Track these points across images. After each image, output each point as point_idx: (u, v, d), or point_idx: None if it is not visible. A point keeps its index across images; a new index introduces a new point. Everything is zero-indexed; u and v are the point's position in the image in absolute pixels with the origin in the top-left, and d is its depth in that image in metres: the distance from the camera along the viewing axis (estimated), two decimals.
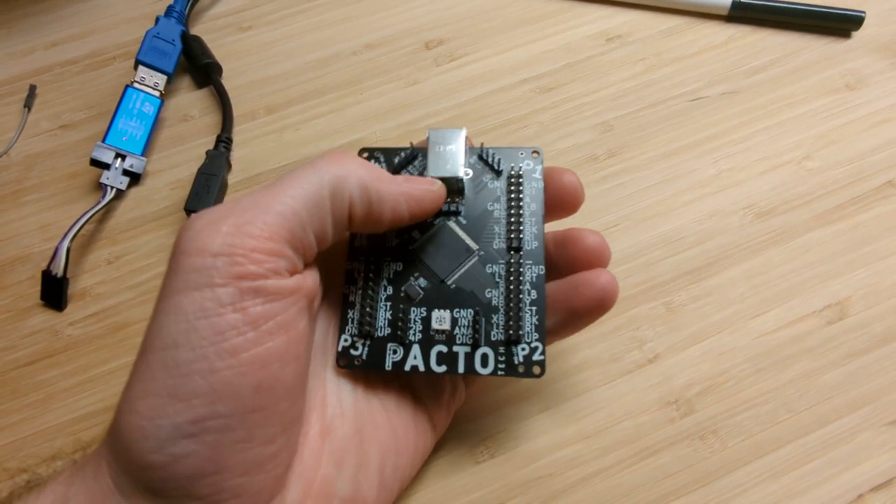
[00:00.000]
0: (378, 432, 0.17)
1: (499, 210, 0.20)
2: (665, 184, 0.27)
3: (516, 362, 0.17)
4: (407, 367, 0.18)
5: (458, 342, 0.18)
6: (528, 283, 0.18)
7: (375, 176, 0.17)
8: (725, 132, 0.28)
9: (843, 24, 0.31)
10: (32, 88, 0.31)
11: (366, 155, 0.20)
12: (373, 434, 0.17)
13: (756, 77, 0.30)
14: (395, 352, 0.18)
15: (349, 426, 0.17)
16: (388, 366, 0.18)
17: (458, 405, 0.20)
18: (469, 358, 0.18)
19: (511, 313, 0.18)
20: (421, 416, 0.19)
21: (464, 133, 0.20)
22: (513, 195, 0.20)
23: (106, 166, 0.27)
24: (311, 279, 0.16)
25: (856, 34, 0.31)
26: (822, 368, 0.22)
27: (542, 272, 0.18)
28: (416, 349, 0.18)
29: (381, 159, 0.21)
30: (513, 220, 0.19)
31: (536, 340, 0.18)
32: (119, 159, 0.27)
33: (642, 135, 0.28)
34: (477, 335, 0.18)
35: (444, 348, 0.18)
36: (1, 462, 0.22)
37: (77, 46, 0.33)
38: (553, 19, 0.32)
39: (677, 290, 0.24)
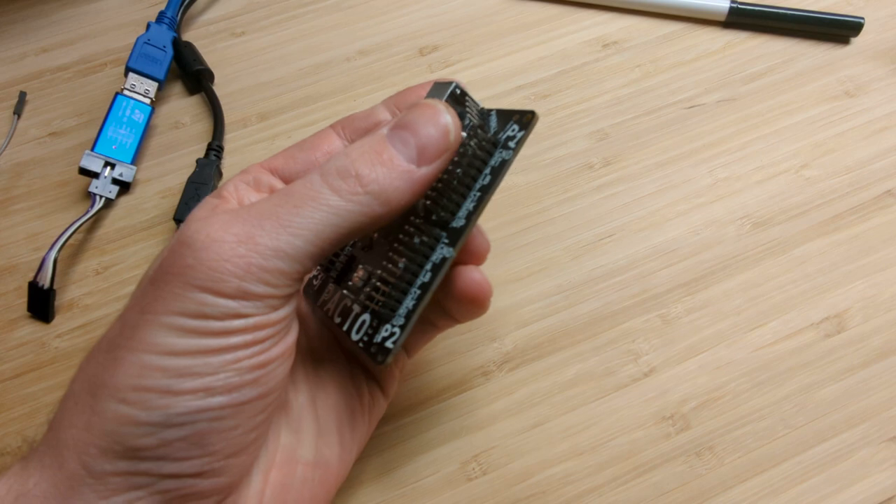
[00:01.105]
0: (331, 399, 0.18)
1: (454, 171, 0.16)
2: (660, 193, 0.27)
3: (374, 340, 0.16)
4: (318, 302, 0.18)
5: (359, 298, 0.17)
6: (430, 264, 0.16)
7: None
8: (722, 140, 0.28)
9: (841, 31, 0.30)
10: (22, 95, 0.31)
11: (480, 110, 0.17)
12: (326, 401, 0.18)
13: (753, 84, 0.29)
14: (315, 279, 0.18)
15: (303, 397, 0.18)
16: (305, 291, 0.18)
17: (401, 368, 0.20)
18: (355, 318, 0.17)
19: (398, 289, 0.16)
20: (370, 380, 0.19)
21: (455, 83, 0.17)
22: (473, 160, 0.16)
23: (95, 175, 0.27)
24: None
25: (855, 41, 0.31)
26: (820, 383, 0.22)
27: (449, 256, 0.16)
28: (331, 287, 0.18)
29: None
30: (454, 188, 0.16)
31: (398, 327, 0.16)
32: (108, 168, 0.27)
33: (638, 143, 0.28)
34: (369, 300, 0.17)
35: (347, 301, 0.18)
36: None
37: (68, 52, 0.32)
38: (548, 25, 0.32)
39: (673, 302, 0.24)
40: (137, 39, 0.30)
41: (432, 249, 0.16)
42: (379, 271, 0.17)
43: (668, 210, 0.26)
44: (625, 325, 0.23)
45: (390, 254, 0.17)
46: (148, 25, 0.30)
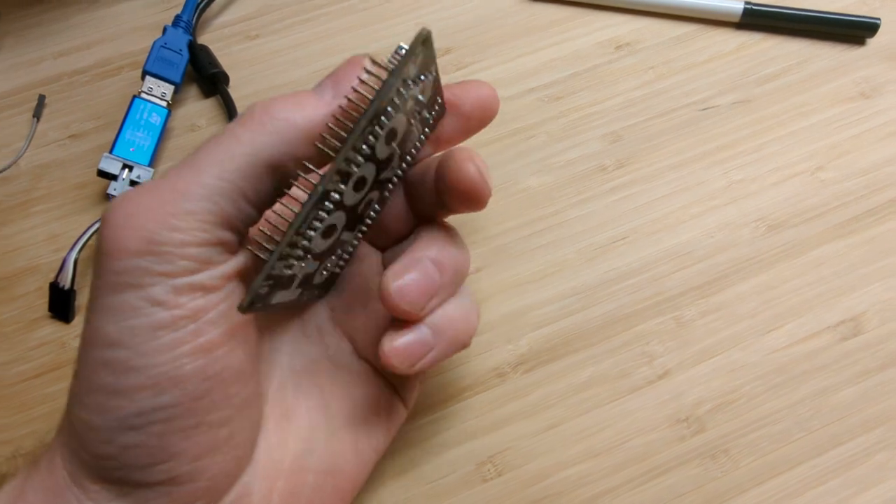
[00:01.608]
0: (345, 407, 0.17)
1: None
2: (674, 195, 0.27)
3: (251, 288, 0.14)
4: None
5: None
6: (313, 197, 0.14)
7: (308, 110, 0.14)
8: (736, 142, 0.28)
9: (857, 31, 0.30)
10: (41, 98, 0.31)
11: (422, 48, 0.15)
12: (339, 409, 0.17)
13: (768, 85, 0.29)
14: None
15: (313, 402, 0.17)
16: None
17: (422, 379, 0.20)
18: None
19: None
20: (386, 385, 0.19)
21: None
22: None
23: (113, 177, 0.27)
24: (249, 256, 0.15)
25: (870, 41, 0.30)
26: (836, 386, 0.22)
27: (321, 187, 0.13)
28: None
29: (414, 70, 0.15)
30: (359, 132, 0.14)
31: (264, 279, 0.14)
32: (126, 170, 0.27)
33: (651, 145, 0.28)
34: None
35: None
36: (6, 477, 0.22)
37: (85, 56, 0.33)
38: (561, 27, 0.32)
39: (687, 304, 0.24)
40: (154, 43, 0.30)
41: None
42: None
43: (682, 212, 0.26)
44: (639, 328, 0.23)
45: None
46: (164, 29, 0.31)
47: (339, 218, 0.15)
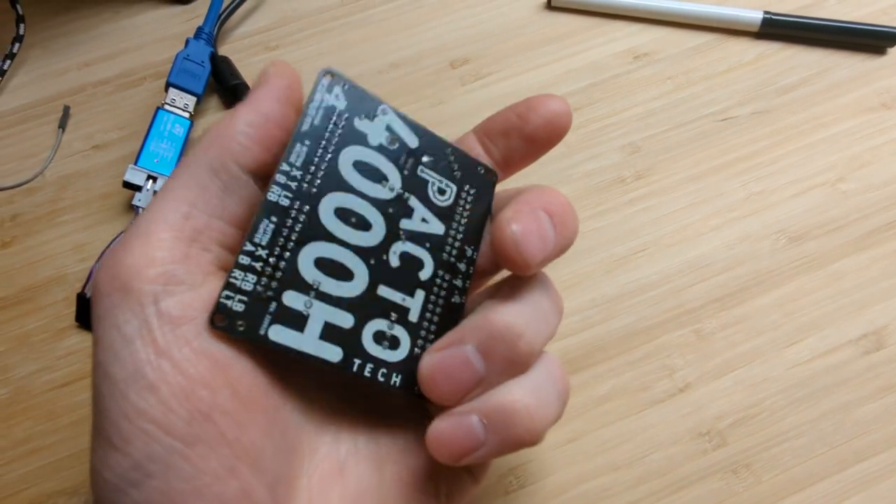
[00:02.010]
0: (401, 472, 0.16)
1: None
2: (693, 207, 0.27)
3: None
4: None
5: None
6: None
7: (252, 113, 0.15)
8: (756, 153, 0.28)
9: (877, 41, 0.30)
10: (66, 109, 0.32)
11: (330, 78, 0.16)
12: (395, 473, 0.15)
13: (787, 96, 0.29)
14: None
15: (366, 464, 0.15)
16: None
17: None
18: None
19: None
20: None
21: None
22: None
23: (138, 188, 0.27)
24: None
25: (891, 51, 0.30)
26: (859, 401, 0.22)
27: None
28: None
29: (342, 94, 0.16)
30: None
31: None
32: (150, 181, 0.28)
33: (670, 156, 0.28)
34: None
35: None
36: (38, 483, 0.22)
37: (109, 66, 0.33)
38: (579, 37, 0.32)
39: (707, 317, 0.24)
40: (177, 55, 0.30)
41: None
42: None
43: (701, 224, 0.26)
44: (659, 341, 0.23)
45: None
46: (186, 41, 0.31)
47: (346, 256, 0.15)
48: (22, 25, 0.34)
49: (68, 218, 0.28)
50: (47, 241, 0.28)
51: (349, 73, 0.32)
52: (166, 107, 0.29)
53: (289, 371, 0.15)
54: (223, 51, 0.33)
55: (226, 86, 0.31)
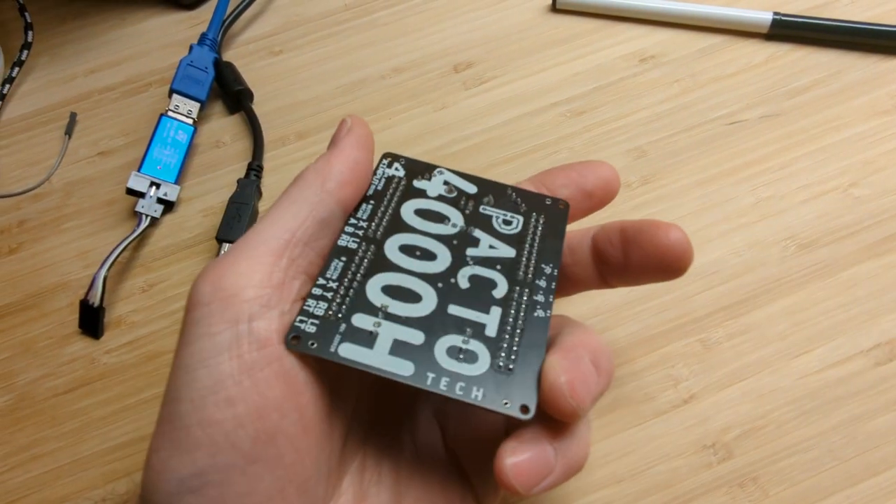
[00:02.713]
0: (420, 500, 0.16)
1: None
2: (701, 213, 0.26)
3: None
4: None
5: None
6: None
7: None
8: (765, 158, 0.27)
9: (891, 42, 0.29)
10: (73, 116, 0.32)
11: (388, 159, 0.19)
12: (414, 501, 0.16)
13: (798, 98, 0.29)
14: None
15: (386, 495, 0.16)
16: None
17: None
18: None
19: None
20: (468, 493, 0.17)
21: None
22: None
23: (141, 195, 0.27)
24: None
25: None
26: (871, 413, 0.21)
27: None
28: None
29: (400, 167, 0.19)
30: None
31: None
32: (154, 188, 0.28)
33: (677, 161, 0.28)
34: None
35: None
36: (40, 491, 0.22)
37: (114, 73, 0.34)
38: (584, 39, 0.32)
39: (714, 326, 0.23)
40: (181, 61, 0.31)
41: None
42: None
43: (708, 230, 0.26)
44: (664, 350, 0.23)
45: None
46: (190, 48, 0.31)
47: (413, 282, 0.16)
48: (30, 33, 0.35)
49: (73, 224, 0.29)
50: (52, 248, 0.28)
51: (352, 77, 0.32)
52: (170, 113, 0.29)
53: (338, 399, 0.16)
54: (228, 56, 0.33)
55: (229, 91, 0.31)
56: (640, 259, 0.16)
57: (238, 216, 0.27)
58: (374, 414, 0.18)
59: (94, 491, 0.22)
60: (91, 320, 0.25)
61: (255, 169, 0.28)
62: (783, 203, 0.26)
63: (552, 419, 0.14)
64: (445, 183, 0.18)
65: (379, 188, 0.18)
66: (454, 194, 0.18)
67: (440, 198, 0.18)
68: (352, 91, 0.32)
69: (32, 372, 0.25)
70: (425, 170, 0.19)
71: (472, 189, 0.18)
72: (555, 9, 0.33)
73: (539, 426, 0.14)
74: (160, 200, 0.28)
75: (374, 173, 0.18)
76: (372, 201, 0.18)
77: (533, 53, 0.32)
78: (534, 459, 0.14)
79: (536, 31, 0.32)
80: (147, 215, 0.27)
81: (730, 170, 0.27)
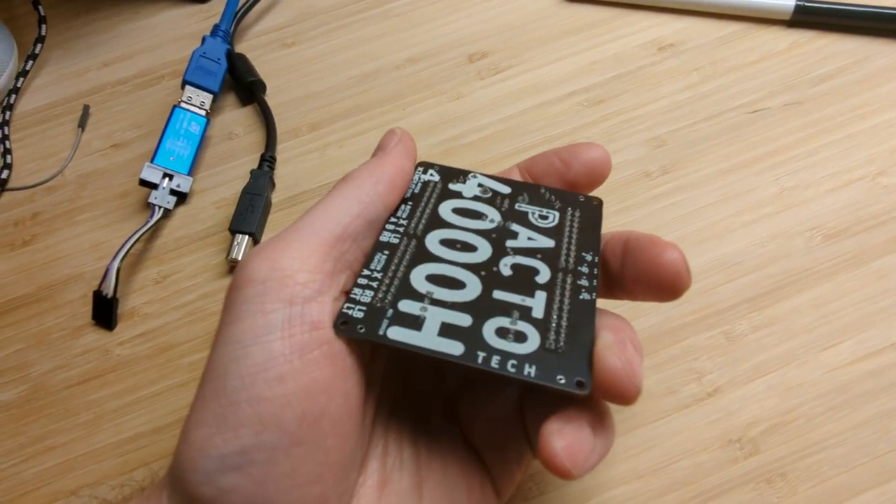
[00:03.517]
0: (438, 490, 0.16)
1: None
2: (723, 203, 0.25)
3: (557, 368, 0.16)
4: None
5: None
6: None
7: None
8: (789, 146, 0.26)
9: None
10: (86, 108, 0.32)
11: (423, 167, 0.19)
12: (433, 491, 0.16)
13: (822, 86, 0.28)
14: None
15: (407, 480, 0.16)
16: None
17: (523, 472, 0.18)
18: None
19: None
20: (485, 478, 0.17)
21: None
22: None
23: (154, 186, 0.27)
24: None
25: None
26: None
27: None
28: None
29: (435, 172, 0.19)
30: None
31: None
32: (167, 179, 0.28)
33: (697, 150, 0.27)
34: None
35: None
36: (53, 481, 0.22)
37: (127, 66, 0.34)
38: (601, 28, 0.31)
39: (738, 318, 0.23)
40: (193, 53, 0.30)
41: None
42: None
43: (731, 221, 0.25)
44: (686, 342, 0.22)
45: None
46: (203, 39, 0.31)
47: (456, 272, 0.16)
48: (44, 26, 0.34)
49: (86, 216, 0.29)
50: (66, 240, 0.28)
51: (365, 68, 0.32)
52: (182, 104, 0.29)
53: (370, 385, 0.16)
54: (240, 48, 0.33)
55: (242, 83, 0.31)
56: (634, 274, 0.16)
57: (251, 207, 0.27)
58: (395, 401, 0.18)
59: (108, 482, 0.22)
60: (104, 312, 0.25)
61: (268, 160, 0.28)
62: (808, 193, 0.25)
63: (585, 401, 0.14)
64: (480, 185, 0.19)
65: (416, 191, 0.19)
66: (489, 195, 0.18)
67: (476, 198, 0.18)
68: (365, 82, 0.31)
69: (46, 363, 0.24)
70: (459, 175, 0.19)
71: (505, 190, 0.19)
72: None
73: (575, 408, 0.14)
74: (173, 192, 0.28)
75: (412, 178, 0.19)
76: (410, 203, 0.18)
77: (548, 42, 0.31)
78: (581, 440, 0.14)
79: (552, 20, 0.32)
80: (160, 207, 0.27)
81: (752, 159, 0.26)
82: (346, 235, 0.16)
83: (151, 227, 0.26)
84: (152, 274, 0.26)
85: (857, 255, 0.24)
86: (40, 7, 0.35)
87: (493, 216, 0.18)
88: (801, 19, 0.30)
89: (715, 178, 0.26)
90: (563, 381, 0.14)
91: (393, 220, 0.18)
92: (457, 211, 0.18)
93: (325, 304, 0.15)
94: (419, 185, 0.19)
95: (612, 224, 0.25)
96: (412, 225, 0.17)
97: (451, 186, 0.19)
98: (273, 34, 0.34)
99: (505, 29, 0.32)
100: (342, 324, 0.15)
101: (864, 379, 0.21)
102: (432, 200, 0.18)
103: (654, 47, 0.30)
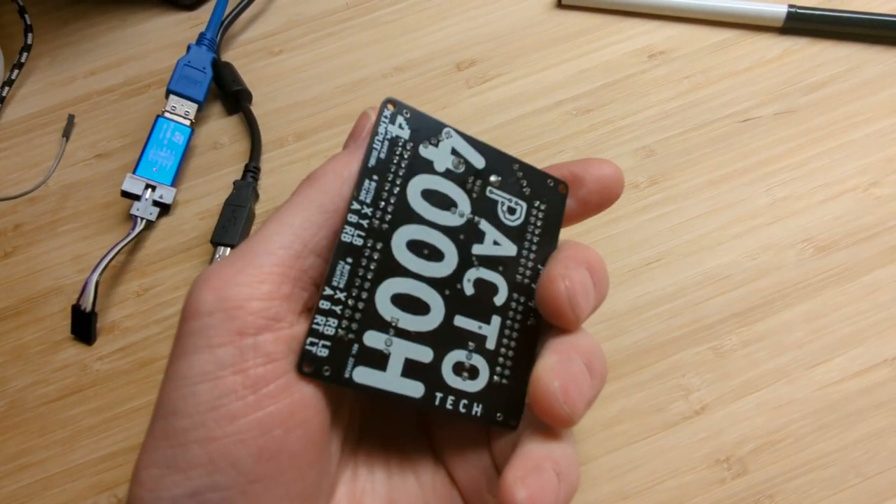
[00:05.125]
0: None
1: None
2: (712, 214, 0.25)
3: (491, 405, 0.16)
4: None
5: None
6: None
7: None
8: (780, 156, 0.26)
9: None
10: (71, 118, 0.32)
11: (391, 108, 0.16)
12: None
13: (815, 94, 0.27)
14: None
15: (380, 502, 0.16)
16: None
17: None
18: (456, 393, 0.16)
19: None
20: (460, 499, 0.17)
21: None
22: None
23: (136, 197, 0.27)
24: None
25: None
26: (895, 427, 0.20)
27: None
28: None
29: (404, 123, 0.16)
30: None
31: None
32: (149, 190, 0.27)
33: (687, 160, 0.26)
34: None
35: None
36: (28, 501, 0.22)
37: (113, 75, 0.33)
38: (590, 36, 0.31)
39: (726, 333, 0.22)
40: (178, 62, 0.30)
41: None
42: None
43: (720, 232, 0.24)
44: (674, 358, 0.22)
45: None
46: (188, 48, 0.31)
47: (422, 290, 0.15)
48: (30, 35, 0.34)
49: (69, 228, 0.28)
50: (48, 252, 0.28)
51: (353, 77, 0.32)
52: (166, 114, 0.29)
53: (338, 410, 0.16)
54: (228, 56, 0.33)
55: (227, 92, 0.30)
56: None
57: (234, 219, 0.26)
58: (364, 422, 0.17)
59: (82, 502, 0.21)
60: (83, 326, 0.24)
61: (252, 170, 0.28)
62: (799, 203, 0.25)
63: (546, 431, 0.14)
64: (454, 152, 0.17)
65: (382, 156, 0.16)
66: (462, 169, 0.17)
67: (448, 174, 0.16)
68: (352, 90, 0.31)
69: (23, 378, 0.24)
70: (432, 130, 0.17)
71: (480, 162, 0.17)
72: (560, 5, 0.32)
73: (535, 443, 0.14)
74: (156, 203, 0.27)
75: (376, 130, 0.16)
76: (375, 176, 0.16)
77: (537, 50, 0.31)
78: (544, 489, 0.13)
79: (541, 27, 0.31)
80: (142, 218, 0.27)
81: (743, 169, 0.26)
82: (306, 252, 0.14)
83: (132, 239, 0.26)
84: (133, 287, 0.26)
85: (849, 268, 0.23)
86: (27, 16, 0.35)
87: (464, 207, 0.16)
88: (794, 26, 0.29)
89: (704, 189, 0.26)
90: (501, 419, 0.14)
91: (355, 206, 0.15)
92: (426, 195, 0.16)
93: (280, 332, 0.14)
94: (385, 143, 0.16)
95: (599, 236, 0.25)
96: (377, 216, 0.15)
97: (423, 152, 0.16)
98: (260, 42, 0.33)
99: (494, 37, 0.31)
100: (306, 363, 0.14)
101: (855, 397, 0.21)
102: (401, 174, 0.16)
103: (644, 55, 0.30)
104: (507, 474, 0.13)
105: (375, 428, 0.17)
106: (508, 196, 0.17)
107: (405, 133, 0.16)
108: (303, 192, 0.15)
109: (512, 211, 0.17)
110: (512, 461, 0.14)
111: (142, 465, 0.13)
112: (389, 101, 0.16)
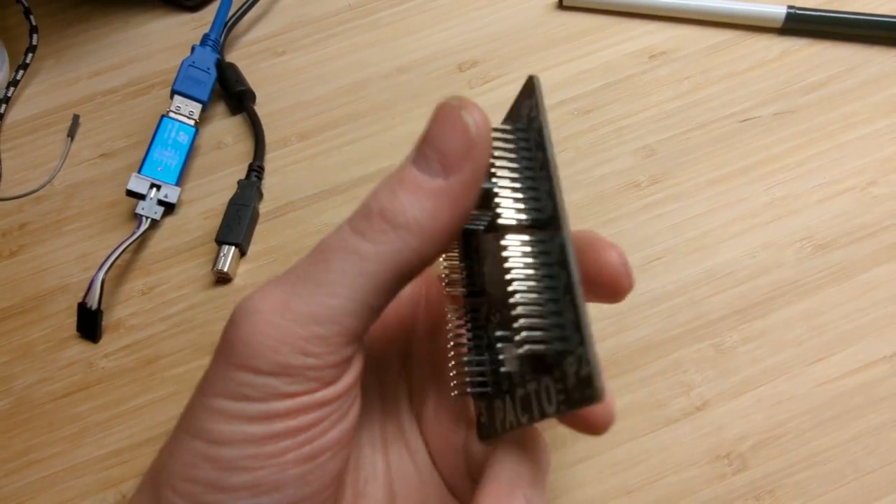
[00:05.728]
0: (412, 497, 0.16)
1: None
2: (713, 213, 0.25)
3: (569, 388, 0.13)
4: (502, 432, 0.14)
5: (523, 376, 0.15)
6: (552, 262, 0.14)
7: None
8: (779, 156, 0.26)
9: None
10: (76, 118, 0.32)
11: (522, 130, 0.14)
12: (406, 499, 0.16)
13: (814, 95, 0.28)
14: (481, 416, 0.16)
15: (381, 492, 0.16)
16: (482, 435, 0.16)
17: None
18: (535, 395, 0.14)
19: (542, 314, 0.14)
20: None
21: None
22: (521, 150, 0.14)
23: (141, 197, 0.27)
24: (363, 357, 0.15)
25: None
26: (894, 422, 0.20)
27: (566, 240, 0.13)
28: (500, 403, 0.15)
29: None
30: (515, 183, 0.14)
31: (579, 345, 0.13)
32: (154, 189, 0.27)
33: (688, 159, 0.27)
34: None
35: (520, 392, 0.15)
36: (35, 496, 0.22)
37: (118, 75, 0.33)
38: (592, 36, 0.31)
39: (727, 330, 0.22)
40: (182, 62, 0.30)
41: (544, 251, 0.13)
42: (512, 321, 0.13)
43: (721, 231, 0.25)
44: (675, 355, 0.22)
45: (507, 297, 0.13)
46: (192, 48, 0.31)
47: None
48: (35, 36, 0.34)
49: (74, 227, 0.28)
50: (53, 251, 0.28)
51: (355, 77, 0.32)
52: (171, 114, 0.29)
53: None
54: (232, 57, 0.33)
55: (231, 92, 0.31)
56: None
57: (238, 218, 0.26)
58: (365, 404, 0.17)
59: (88, 498, 0.22)
60: (89, 324, 0.25)
61: (255, 170, 0.28)
62: (799, 203, 0.25)
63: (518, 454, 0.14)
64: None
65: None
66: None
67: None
68: (355, 91, 0.31)
69: (30, 376, 0.24)
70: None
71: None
72: (561, 6, 0.32)
73: (508, 466, 0.14)
74: (161, 202, 0.27)
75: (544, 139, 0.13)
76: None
77: (539, 51, 0.31)
78: None
79: (542, 28, 0.32)
80: (147, 217, 0.27)
81: (743, 168, 0.26)
82: (378, 311, 0.14)
83: (137, 238, 0.26)
84: (138, 285, 0.26)
85: (847, 266, 0.23)
86: (32, 17, 0.35)
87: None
88: (793, 27, 0.29)
89: (705, 188, 0.26)
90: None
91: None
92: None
93: (336, 383, 0.13)
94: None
95: (602, 233, 0.25)
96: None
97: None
98: (264, 43, 0.34)
99: (496, 37, 0.32)
100: (483, 436, 0.15)
101: (855, 393, 0.21)
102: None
103: (645, 55, 0.30)
104: (595, 248, 0.14)
105: (374, 407, 0.17)
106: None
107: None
108: (372, 243, 0.13)
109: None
110: (484, 487, 0.14)
111: (179, 477, 0.13)
112: (530, 88, 0.14)
